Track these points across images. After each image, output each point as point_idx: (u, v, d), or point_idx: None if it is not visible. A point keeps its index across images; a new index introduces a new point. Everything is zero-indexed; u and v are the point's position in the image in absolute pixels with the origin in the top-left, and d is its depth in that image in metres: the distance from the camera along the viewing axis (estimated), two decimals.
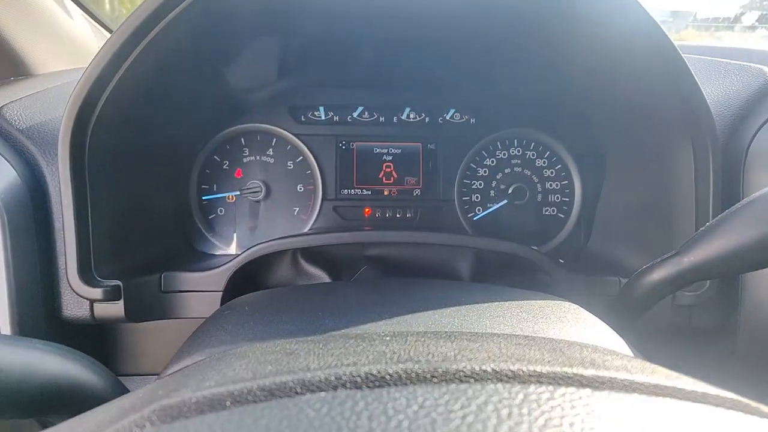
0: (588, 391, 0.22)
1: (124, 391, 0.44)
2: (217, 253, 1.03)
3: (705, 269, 0.52)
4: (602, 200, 1.00)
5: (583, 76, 0.87)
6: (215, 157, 1.04)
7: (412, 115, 1.08)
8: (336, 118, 1.07)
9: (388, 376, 0.23)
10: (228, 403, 0.22)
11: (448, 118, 1.08)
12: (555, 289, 0.80)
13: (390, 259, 0.87)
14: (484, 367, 0.23)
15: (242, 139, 1.05)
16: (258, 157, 1.05)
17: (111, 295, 0.69)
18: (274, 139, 1.05)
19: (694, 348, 0.83)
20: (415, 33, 0.82)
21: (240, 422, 0.20)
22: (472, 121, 1.09)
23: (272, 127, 1.05)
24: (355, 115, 1.07)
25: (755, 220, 0.49)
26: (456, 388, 0.22)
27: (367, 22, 0.77)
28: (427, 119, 1.08)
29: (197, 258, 0.97)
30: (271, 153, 1.05)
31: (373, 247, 0.86)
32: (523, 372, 0.23)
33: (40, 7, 0.97)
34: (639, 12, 0.65)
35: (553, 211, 1.08)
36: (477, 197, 1.08)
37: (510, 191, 1.06)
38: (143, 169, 0.82)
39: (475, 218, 1.08)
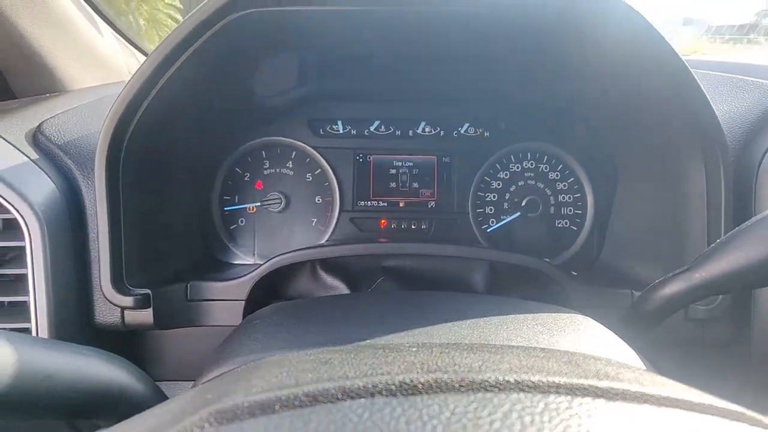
0: (602, 401, 0.24)
1: (161, 395, 0.47)
2: (236, 262, 1.06)
3: (716, 285, 0.54)
4: (614, 213, 1.01)
5: (594, 92, 0.89)
6: (237, 169, 1.08)
7: (427, 129, 1.11)
8: (353, 132, 1.10)
9: (420, 385, 0.25)
10: (277, 407, 0.25)
11: (462, 131, 1.11)
12: (568, 300, 0.81)
13: (406, 270, 0.89)
14: (507, 378, 0.26)
15: (263, 152, 1.08)
16: (278, 170, 1.08)
17: (141, 303, 0.73)
18: (294, 152, 1.09)
19: (708, 361, 0.83)
20: (429, 49, 0.85)
21: (291, 425, 0.23)
22: (486, 134, 1.11)
23: (292, 140, 1.08)
24: (372, 128, 1.10)
25: (766, 237, 0.51)
26: (483, 396, 0.24)
27: (382, 37, 0.80)
28: (441, 133, 1.11)
29: (219, 267, 1.00)
30: (291, 165, 1.09)
31: (390, 258, 0.89)
32: (543, 383, 0.26)
33: (74, 26, 1.02)
34: (649, 31, 0.67)
35: (566, 223, 1.10)
36: (491, 209, 1.10)
37: (523, 203, 1.08)
38: (171, 182, 0.86)
39: (488, 230, 1.10)
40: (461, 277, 0.89)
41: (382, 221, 1.10)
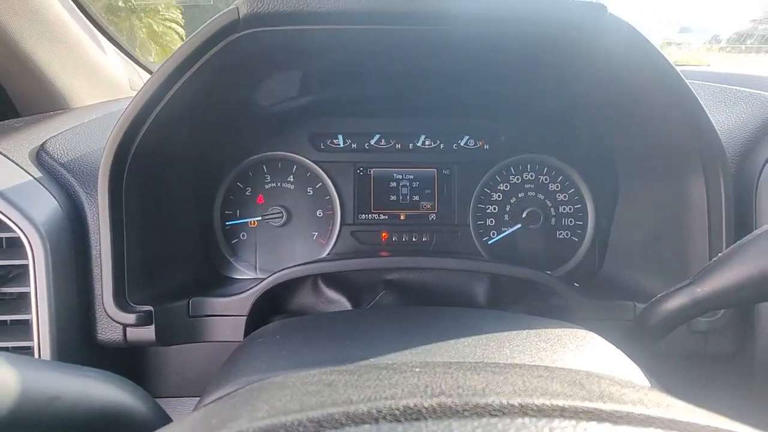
0: (608, 425, 0.24)
1: (165, 417, 0.47)
2: (238, 276, 1.06)
3: (719, 299, 0.54)
4: (616, 224, 1.01)
5: (594, 106, 0.90)
6: (238, 183, 1.08)
7: (427, 142, 1.12)
8: (354, 146, 1.11)
9: (424, 410, 0.25)
10: None
11: (462, 144, 1.12)
12: (570, 313, 0.81)
13: (407, 283, 0.89)
14: (511, 402, 0.26)
15: (264, 166, 1.09)
16: (279, 184, 1.09)
17: (143, 320, 0.73)
18: (295, 166, 1.09)
19: (710, 373, 0.83)
20: (428, 64, 0.85)
21: None
22: (486, 146, 1.12)
23: (293, 155, 1.09)
24: (372, 142, 1.11)
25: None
26: (488, 422, 0.24)
27: (381, 54, 0.81)
28: (441, 145, 1.12)
29: (221, 282, 1.00)
30: (292, 179, 1.09)
31: (392, 271, 0.89)
32: (547, 406, 0.26)
33: (77, 43, 1.03)
34: (646, 46, 0.68)
35: (567, 234, 1.10)
36: (492, 221, 1.10)
37: (524, 215, 1.08)
38: (173, 198, 0.87)
39: (489, 242, 1.10)
40: (463, 290, 0.89)
41: (383, 234, 1.10)
